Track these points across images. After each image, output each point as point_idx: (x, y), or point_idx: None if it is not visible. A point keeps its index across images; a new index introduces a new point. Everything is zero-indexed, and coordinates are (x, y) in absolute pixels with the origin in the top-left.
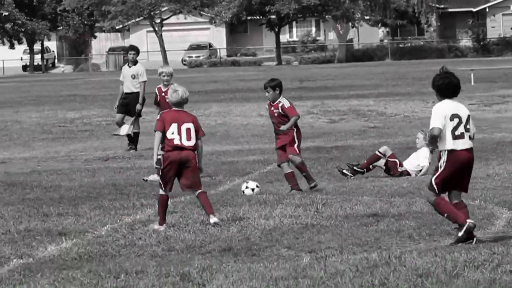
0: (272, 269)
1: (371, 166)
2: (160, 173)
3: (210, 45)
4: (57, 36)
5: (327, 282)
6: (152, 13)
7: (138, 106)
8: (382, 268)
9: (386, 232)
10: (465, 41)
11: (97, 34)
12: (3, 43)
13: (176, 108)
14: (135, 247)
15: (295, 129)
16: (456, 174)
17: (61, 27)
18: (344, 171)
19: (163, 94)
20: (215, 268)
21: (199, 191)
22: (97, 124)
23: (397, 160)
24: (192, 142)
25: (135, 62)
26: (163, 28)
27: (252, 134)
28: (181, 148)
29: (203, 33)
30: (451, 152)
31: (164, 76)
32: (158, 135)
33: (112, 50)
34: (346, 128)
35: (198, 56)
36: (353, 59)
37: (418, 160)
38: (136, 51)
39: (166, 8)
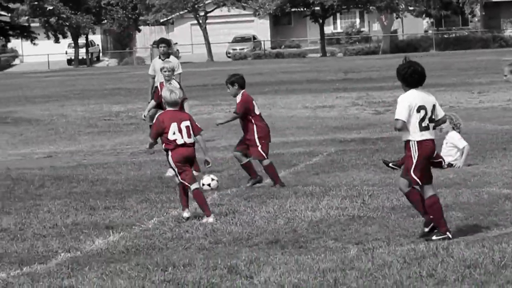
0: (320, 261)
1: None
2: (177, 173)
3: (254, 38)
4: (101, 30)
5: (374, 274)
6: (196, 6)
7: None
8: (429, 259)
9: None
10: (510, 31)
11: (141, 27)
12: (48, 37)
13: (171, 108)
14: (182, 240)
15: (256, 129)
16: (428, 161)
17: (105, 21)
18: (390, 164)
19: None
20: (262, 260)
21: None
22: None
23: (441, 160)
24: (192, 140)
25: (167, 55)
26: (207, 21)
27: (297, 126)
28: (184, 145)
29: (247, 25)
30: (419, 142)
31: (165, 71)
32: (151, 141)
33: (170, 42)
34: (391, 119)
35: (242, 49)
36: (398, 50)
37: (454, 146)
38: (167, 43)
39: (210, 0)
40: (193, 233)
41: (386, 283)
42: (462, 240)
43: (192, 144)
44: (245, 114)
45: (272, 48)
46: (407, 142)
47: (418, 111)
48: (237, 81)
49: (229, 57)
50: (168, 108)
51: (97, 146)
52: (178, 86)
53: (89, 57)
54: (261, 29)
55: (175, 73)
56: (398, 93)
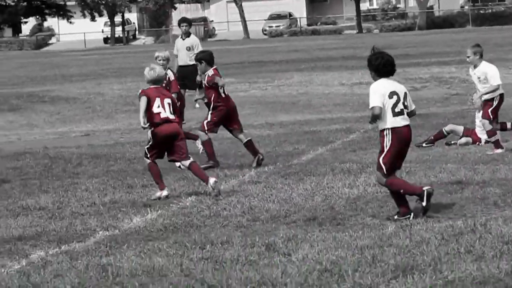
0: (357, 238)
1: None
2: (149, 145)
3: (290, 15)
4: (137, 8)
5: (412, 250)
6: None
7: (198, 78)
8: (467, 236)
9: (471, 199)
10: None
11: (177, 5)
12: (84, 16)
13: (154, 86)
14: (219, 217)
15: (212, 105)
16: (400, 151)
17: None
18: (424, 144)
19: None
20: (300, 237)
21: (190, 161)
22: None
23: (479, 143)
24: (174, 116)
25: (188, 34)
26: None
27: (334, 103)
28: (168, 121)
29: (283, 2)
30: (393, 130)
31: (160, 60)
32: (144, 99)
33: (192, 20)
34: (428, 95)
35: (278, 26)
36: (434, 26)
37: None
38: (188, 22)
39: None
40: (231, 210)
41: (424, 260)
42: (500, 216)
43: (177, 121)
44: (211, 89)
45: (308, 25)
46: (382, 131)
47: (391, 97)
48: (204, 57)
49: (265, 34)
50: (151, 86)
51: (134, 124)
52: (156, 66)
53: (126, 35)
54: (297, 6)
55: (196, 51)
56: (435, 69)
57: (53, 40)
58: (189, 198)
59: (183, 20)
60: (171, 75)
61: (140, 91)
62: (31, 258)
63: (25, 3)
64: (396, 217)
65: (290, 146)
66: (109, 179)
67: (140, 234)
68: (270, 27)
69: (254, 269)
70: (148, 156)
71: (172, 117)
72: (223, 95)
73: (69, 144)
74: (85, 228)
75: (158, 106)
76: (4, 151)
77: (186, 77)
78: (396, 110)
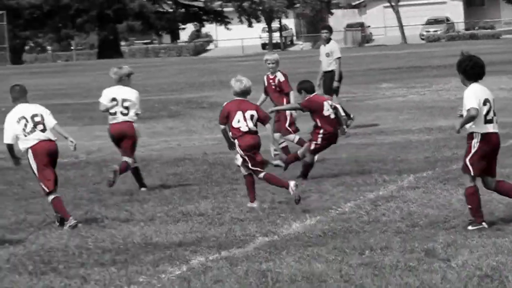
0: None
1: None
2: (245, 161)
3: (448, 19)
4: (294, 14)
5: None
6: None
7: (335, 84)
8: None
9: None
10: None
11: (333, 10)
12: (242, 22)
13: (239, 98)
14: (378, 223)
15: (319, 130)
16: (487, 155)
17: (298, 4)
18: None
19: (270, 81)
20: (459, 243)
21: (264, 173)
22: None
23: None
24: (255, 127)
25: (328, 41)
26: (400, 3)
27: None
28: (249, 133)
29: (439, 7)
30: (483, 134)
31: (269, 63)
32: (222, 127)
33: (349, 26)
34: None
35: (436, 31)
36: None
37: None
38: (329, 29)
39: None
40: (390, 216)
41: None
42: None
43: (257, 132)
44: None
45: (466, 29)
46: (470, 134)
47: (484, 103)
48: (304, 87)
49: (422, 39)
50: (236, 98)
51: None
52: (244, 78)
53: (283, 41)
54: (454, 10)
55: (334, 57)
56: None
57: (211, 46)
58: (348, 204)
59: (323, 27)
60: (280, 77)
61: (224, 104)
62: (191, 264)
63: (183, 10)
64: (470, 227)
65: (449, 151)
66: (267, 185)
67: (299, 240)
68: (427, 31)
69: (413, 275)
70: (258, 170)
71: (254, 129)
72: (325, 113)
73: (227, 150)
74: (245, 234)
75: (238, 121)
76: (164, 157)
77: (324, 82)
78: (488, 117)
